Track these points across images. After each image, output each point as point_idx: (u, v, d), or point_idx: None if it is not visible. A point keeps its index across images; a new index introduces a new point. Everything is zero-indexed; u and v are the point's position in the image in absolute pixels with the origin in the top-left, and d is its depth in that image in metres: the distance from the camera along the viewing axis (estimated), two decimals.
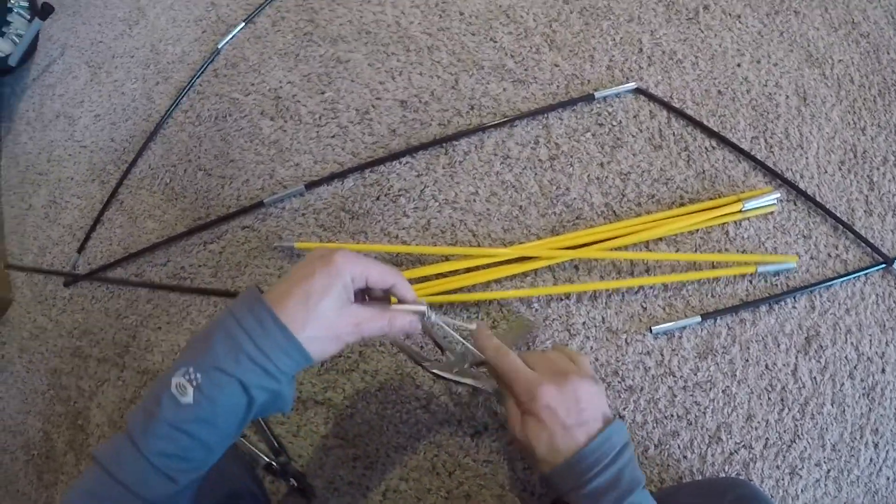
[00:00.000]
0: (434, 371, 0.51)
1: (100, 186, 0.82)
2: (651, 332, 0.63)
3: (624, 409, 0.62)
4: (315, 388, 0.67)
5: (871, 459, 0.62)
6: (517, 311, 0.64)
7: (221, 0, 0.88)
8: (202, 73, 0.81)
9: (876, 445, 0.63)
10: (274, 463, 0.63)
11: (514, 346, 0.49)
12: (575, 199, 0.67)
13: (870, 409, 0.64)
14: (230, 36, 0.83)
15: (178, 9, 0.89)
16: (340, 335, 0.36)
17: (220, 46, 0.82)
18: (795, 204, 0.69)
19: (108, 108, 0.86)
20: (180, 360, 0.34)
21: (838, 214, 0.68)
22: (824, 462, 0.62)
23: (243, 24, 0.83)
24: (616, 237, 0.64)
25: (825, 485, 0.61)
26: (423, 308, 0.40)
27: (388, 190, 0.71)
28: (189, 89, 0.81)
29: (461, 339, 0.45)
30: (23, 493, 0.74)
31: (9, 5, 0.89)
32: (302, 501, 0.64)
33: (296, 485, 0.63)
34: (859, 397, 0.64)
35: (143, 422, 0.33)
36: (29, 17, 0.90)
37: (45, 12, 0.87)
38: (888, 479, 0.62)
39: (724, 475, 0.62)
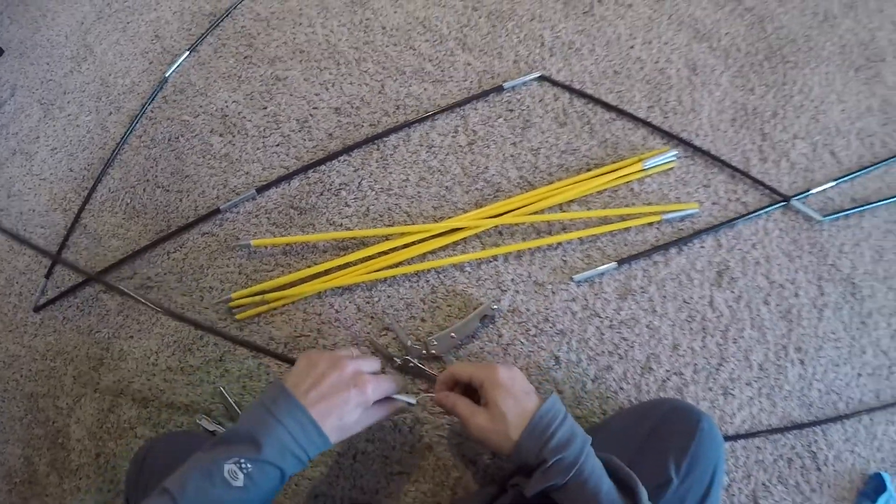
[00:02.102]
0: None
1: (63, 214, 0.95)
2: (573, 280, 0.80)
3: (558, 350, 0.77)
4: (281, 368, 0.80)
5: (799, 375, 0.78)
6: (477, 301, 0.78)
7: (164, 32, 1.04)
8: (152, 100, 0.97)
9: (802, 362, 0.79)
10: None
11: (474, 330, 0.70)
12: (494, 175, 0.85)
13: (789, 329, 0.80)
14: (176, 64, 0.99)
15: (124, 43, 1.05)
16: (355, 431, 0.54)
17: (167, 75, 0.98)
18: (693, 159, 0.88)
19: (64, 141, 1.00)
20: (230, 451, 0.47)
21: (734, 164, 0.85)
22: (754, 381, 0.78)
23: (187, 52, 0.99)
24: (533, 203, 0.81)
25: (759, 402, 0.77)
26: (413, 401, 0.60)
27: (330, 186, 0.87)
28: (141, 116, 0.97)
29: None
30: None
31: None
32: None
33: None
34: (777, 320, 0.81)
35: (194, 495, 0.45)
36: None
37: None
38: (820, 391, 0.78)
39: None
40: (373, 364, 0.58)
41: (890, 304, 0.82)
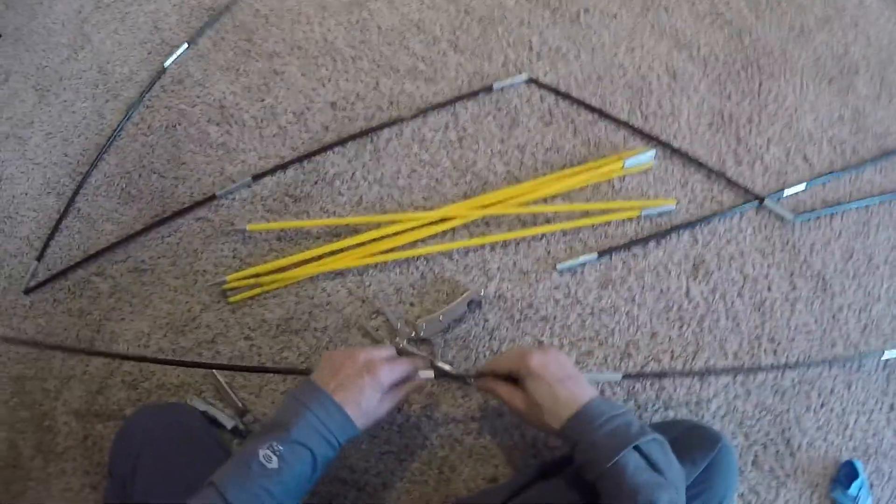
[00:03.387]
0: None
1: (56, 198, 1.03)
2: (557, 269, 0.90)
3: (542, 336, 0.86)
4: (272, 350, 0.88)
5: (772, 364, 0.88)
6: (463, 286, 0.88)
7: (164, 24, 1.13)
8: (150, 89, 1.05)
9: (775, 352, 0.89)
10: (240, 425, 0.82)
11: (461, 314, 0.80)
12: (482, 169, 0.95)
13: (763, 321, 0.90)
14: (175, 56, 1.08)
15: (123, 33, 1.14)
16: (377, 416, 0.62)
17: (166, 65, 1.07)
18: (671, 160, 0.99)
19: (60, 127, 1.08)
20: (263, 439, 0.55)
21: (711, 165, 0.96)
22: (731, 369, 0.87)
23: (187, 45, 1.09)
24: (518, 196, 0.90)
25: (735, 388, 0.86)
26: (430, 375, 0.71)
27: (325, 175, 0.96)
28: (139, 105, 1.05)
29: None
30: None
31: None
32: None
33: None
34: (751, 312, 0.91)
35: (235, 484, 0.52)
36: None
37: None
38: (792, 379, 0.87)
39: (638, 385, 0.85)
40: (385, 351, 0.66)
41: (859, 300, 0.92)
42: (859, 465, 0.82)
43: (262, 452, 0.53)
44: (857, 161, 1.02)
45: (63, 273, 0.97)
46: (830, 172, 1.00)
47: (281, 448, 0.54)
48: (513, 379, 0.66)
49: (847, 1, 1.19)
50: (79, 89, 1.11)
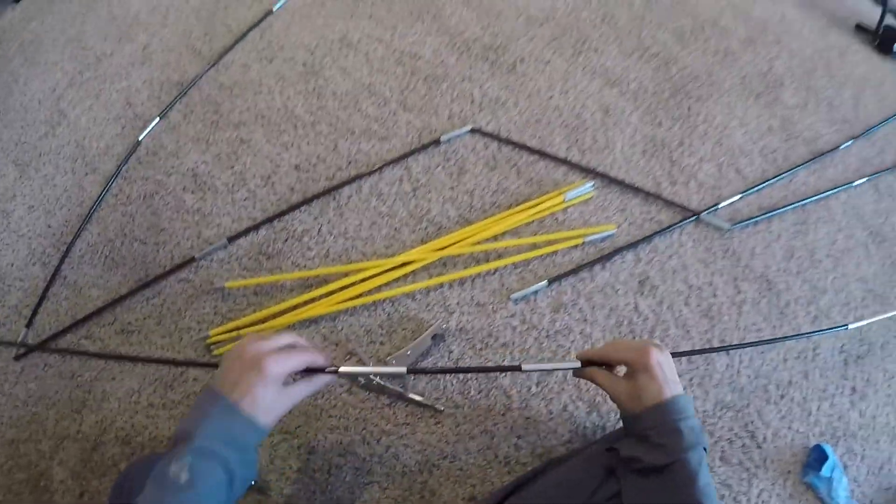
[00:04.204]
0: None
1: (42, 268, 1.15)
2: (511, 299, 1.05)
3: (502, 360, 1.00)
4: None
5: (727, 365, 1.02)
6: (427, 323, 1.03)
7: (136, 99, 1.29)
8: (126, 162, 1.18)
9: (727, 353, 1.02)
10: None
11: (427, 348, 0.94)
12: (436, 215, 1.11)
13: (712, 325, 1.05)
14: (148, 129, 1.24)
15: (97, 109, 1.29)
16: (282, 409, 0.64)
17: (140, 138, 1.23)
18: (610, 188, 1.17)
19: (42, 200, 1.21)
20: (170, 455, 0.55)
21: (647, 189, 1.14)
22: (685, 373, 1.01)
23: (158, 118, 1.24)
24: (471, 236, 1.06)
25: (693, 390, 1.00)
26: (345, 369, 0.72)
27: (294, 232, 1.11)
28: (117, 177, 1.18)
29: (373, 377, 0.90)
30: None
31: None
32: (260, 497, 0.94)
33: (253, 483, 0.92)
34: (699, 318, 1.06)
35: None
36: None
37: None
38: (748, 377, 1.01)
39: (599, 399, 0.97)
40: (274, 342, 0.65)
41: (806, 293, 1.08)
42: (828, 448, 0.92)
43: (171, 469, 0.54)
44: (790, 166, 1.19)
45: (53, 338, 1.08)
46: (764, 181, 1.16)
47: (188, 459, 0.55)
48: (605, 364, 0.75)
49: (769, 20, 1.40)
50: (58, 164, 1.25)
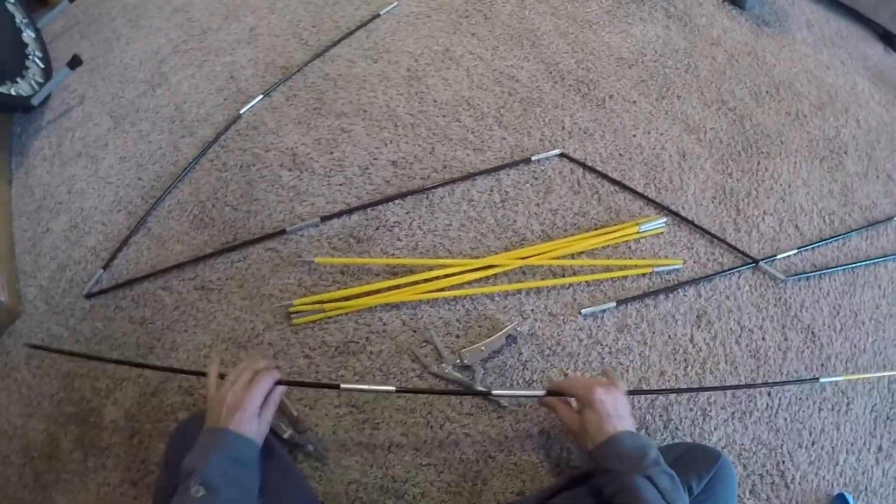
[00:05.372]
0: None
1: (126, 216, 1.28)
2: (581, 314, 1.21)
3: (568, 369, 1.15)
4: (329, 368, 1.12)
5: (767, 405, 1.18)
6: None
7: (239, 75, 1.45)
8: (226, 132, 1.31)
9: (769, 394, 1.19)
10: (295, 434, 1.05)
11: (500, 347, 1.09)
12: (520, 227, 1.27)
13: (758, 366, 1.21)
14: (250, 105, 1.39)
15: (200, 78, 1.44)
16: (262, 430, 0.85)
17: (241, 112, 1.37)
18: (679, 227, 1.36)
19: (135, 153, 1.34)
20: (185, 481, 0.75)
21: (713, 232, 1.34)
22: (728, 406, 1.17)
23: (261, 96, 1.39)
24: (551, 251, 1.21)
25: (733, 423, 1.15)
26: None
27: (385, 222, 1.26)
28: (214, 143, 1.31)
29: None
30: (14, 497, 1.05)
31: (26, 52, 1.34)
32: (316, 464, 1.06)
33: (312, 449, 1.06)
34: (747, 358, 1.22)
35: None
36: (43, 65, 1.35)
37: (74, 63, 1.40)
38: (786, 419, 1.16)
39: (649, 417, 1.13)
40: (243, 379, 0.85)
41: (846, 351, 1.25)
42: (850, 497, 1.06)
43: (190, 491, 0.72)
44: (845, 230, 1.39)
45: (129, 283, 1.20)
46: (820, 240, 1.35)
47: (199, 479, 0.73)
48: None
49: (840, 88, 1.61)
50: (155, 122, 1.38)
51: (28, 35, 1.41)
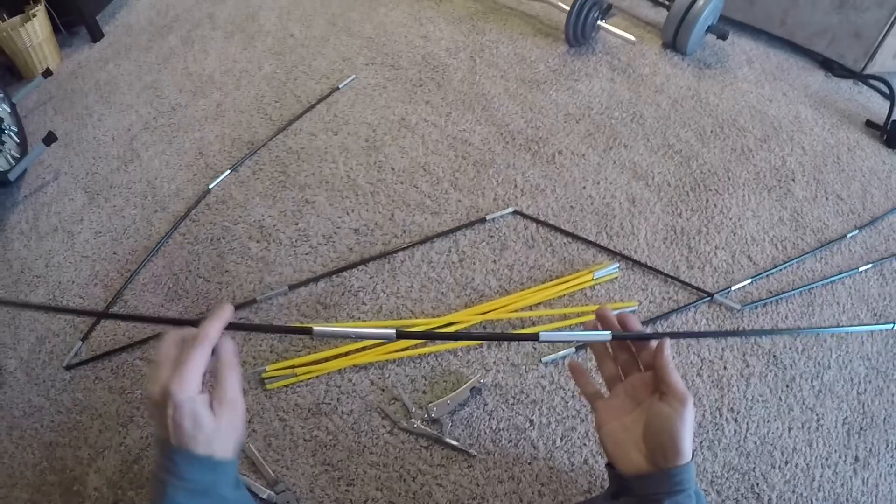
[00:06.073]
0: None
1: (103, 289, 1.39)
2: (542, 362, 1.36)
3: (532, 416, 1.28)
4: (303, 429, 1.23)
5: (734, 431, 1.28)
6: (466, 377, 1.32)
7: (208, 151, 1.60)
8: (196, 206, 1.44)
9: (736, 420, 1.29)
10: (273, 494, 1.16)
11: (465, 399, 1.21)
12: (479, 284, 1.42)
13: (721, 395, 1.32)
14: (218, 179, 1.53)
15: (170, 154, 1.60)
16: (231, 427, 0.63)
17: (210, 187, 1.49)
18: (633, 270, 1.52)
19: (109, 227, 1.48)
20: None
21: (666, 272, 1.49)
22: (695, 437, 1.26)
23: (229, 171, 1.53)
24: (509, 304, 1.35)
25: (702, 452, 1.25)
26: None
27: (350, 288, 1.39)
28: (185, 218, 1.43)
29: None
30: None
31: (2, 127, 1.47)
32: None
33: None
34: (710, 388, 1.34)
35: None
36: (18, 139, 1.47)
37: (49, 139, 1.51)
38: (755, 443, 1.26)
39: None
40: (169, 354, 0.62)
41: (810, 369, 1.35)
42: None
43: None
44: (798, 254, 1.52)
45: (108, 354, 1.32)
46: (773, 266, 1.49)
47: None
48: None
49: (783, 119, 1.78)
50: (128, 198, 1.51)
51: (3, 109, 1.54)
